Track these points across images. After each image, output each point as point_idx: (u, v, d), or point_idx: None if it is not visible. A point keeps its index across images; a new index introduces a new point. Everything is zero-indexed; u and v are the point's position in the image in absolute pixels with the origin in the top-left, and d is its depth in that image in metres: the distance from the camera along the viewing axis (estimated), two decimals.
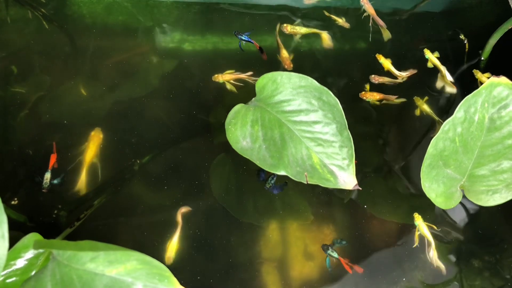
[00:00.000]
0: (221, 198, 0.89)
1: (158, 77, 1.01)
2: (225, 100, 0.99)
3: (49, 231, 0.82)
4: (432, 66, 1.06)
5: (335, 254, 0.85)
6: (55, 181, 0.87)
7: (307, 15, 1.13)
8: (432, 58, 1.06)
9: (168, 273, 0.58)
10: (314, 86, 0.78)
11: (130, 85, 0.99)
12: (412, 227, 0.89)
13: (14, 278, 0.65)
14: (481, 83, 1.01)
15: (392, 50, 1.09)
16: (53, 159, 0.88)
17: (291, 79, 0.79)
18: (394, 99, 1.01)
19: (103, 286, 0.58)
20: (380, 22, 1.09)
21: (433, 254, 0.86)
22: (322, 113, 0.78)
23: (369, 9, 1.10)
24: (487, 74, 1.04)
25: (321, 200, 0.90)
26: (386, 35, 1.09)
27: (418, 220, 0.88)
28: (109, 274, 0.58)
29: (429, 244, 0.87)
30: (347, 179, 0.76)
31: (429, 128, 1.01)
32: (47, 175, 0.86)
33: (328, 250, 0.85)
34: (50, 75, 0.98)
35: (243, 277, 0.83)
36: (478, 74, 1.04)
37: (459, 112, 0.75)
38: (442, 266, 0.86)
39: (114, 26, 1.06)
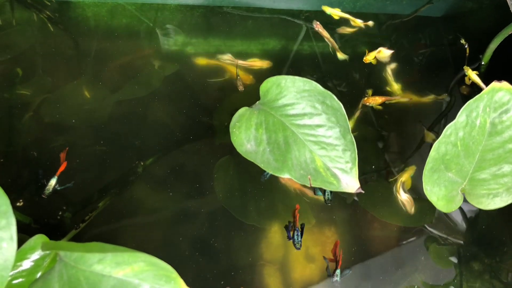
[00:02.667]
0: (224, 200, 0.89)
1: (161, 79, 1.01)
2: (228, 103, 0.99)
3: (54, 232, 0.83)
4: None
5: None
6: (60, 188, 0.86)
7: (309, 18, 1.14)
8: (322, 31, 1.10)
9: (175, 274, 0.59)
10: (318, 90, 0.79)
11: (134, 88, 0.99)
12: (413, 230, 0.90)
13: (20, 279, 0.66)
14: (470, 80, 1.05)
15: (392, 54, 1.09)
16: (62, 166, 0.87)
17: (295, 83, 0.80)
18: (399, 99, 1.02)
19: None
20: (334, 44, 1.09)
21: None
22: (325, 116, 0.78)
23: (323, 32, 1.11)
24: (475, 72, 1.07)
25: (323, 203, 0.91)
26: (340, 55, 1.09)
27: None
28: (116, 275, 0.58)
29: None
30: (350, 182, 0.77)
31: (430, 131, 1.02)
32: (52, 181, 0.85)
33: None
34: (54, 77, 0.98)
35: (245, 279, 0.84)
36: (469, 71, 1.06)
37: (461, 116, 0.76)
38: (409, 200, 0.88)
39: (118, 29, 1.06)
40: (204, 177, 0.91)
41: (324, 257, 0.86)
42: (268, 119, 0.81)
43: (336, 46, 1.08)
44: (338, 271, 0.84)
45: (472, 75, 1.05)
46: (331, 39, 1.08)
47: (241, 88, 1.00)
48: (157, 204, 0.88)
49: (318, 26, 1.10)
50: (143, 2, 1.10)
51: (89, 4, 1.08)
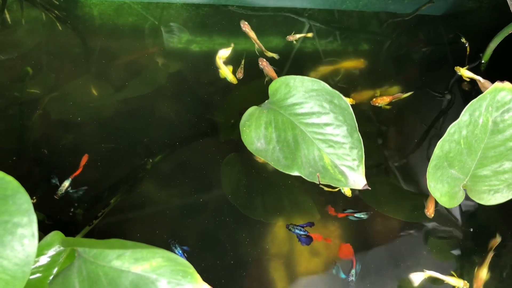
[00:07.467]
0: (231, 196, 0.91)
1: (167, 77, 1.02)
2: (234, 101, 1.00)
3: (66, 229, 0.84)
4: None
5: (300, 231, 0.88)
6: (72, 191, 0.87)
7: (312, 17, 1.15)
8: (250, 32, 1.09)
9: (192, 269, 0.61)
10: (326, 90, 0.80)
11: (141, 85, 1.00)
12: (415, 224, 0.92)
13: (38, 275, 0.67)
14: (464, 78, 1.08)
15: (393, 53, 1.11)
16: (78, 171, 0.88)
17: (303, 82, 0.81)
18: (403, 96, 1.04)
19: (129, 283, 0.60)
20: (260, 46, 1.08)
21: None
22: (333, 115, 0.80)
23: (250, 33, 1.09)
24: (467, 71, 1.09)
25: (327, 198, 0.93)
26: (269, 54, 1.09)
27: None
28: (135, 271, 0.60)
29: None
30: (357, 179, 0.78)
31: (431, 128, 1.04)
32: (66, 183, 0.86)
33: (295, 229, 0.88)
34: (62, 75, 0.98)
35: (251, 273, 0.85)
36: (461, 71, 1.08)
37: (464, 115, 0.78)
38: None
39: (124, 27, 1.07)
40: (212, 174, 0.92)
41: (336, 264, 0.89)
42: (277, 118, 0.82)
43: (263, 48, 1.07)
44: (353, 271, 0.86)
45: (465, 72, 1.07)
46: (258, 41, 1.08)
47: (240, 75, 1.02)
48: (166, 200, 0.89)
49: (245, 27, 1.09)
50: (149, 1, 1.11)
51: (96, 3, 1.09)
